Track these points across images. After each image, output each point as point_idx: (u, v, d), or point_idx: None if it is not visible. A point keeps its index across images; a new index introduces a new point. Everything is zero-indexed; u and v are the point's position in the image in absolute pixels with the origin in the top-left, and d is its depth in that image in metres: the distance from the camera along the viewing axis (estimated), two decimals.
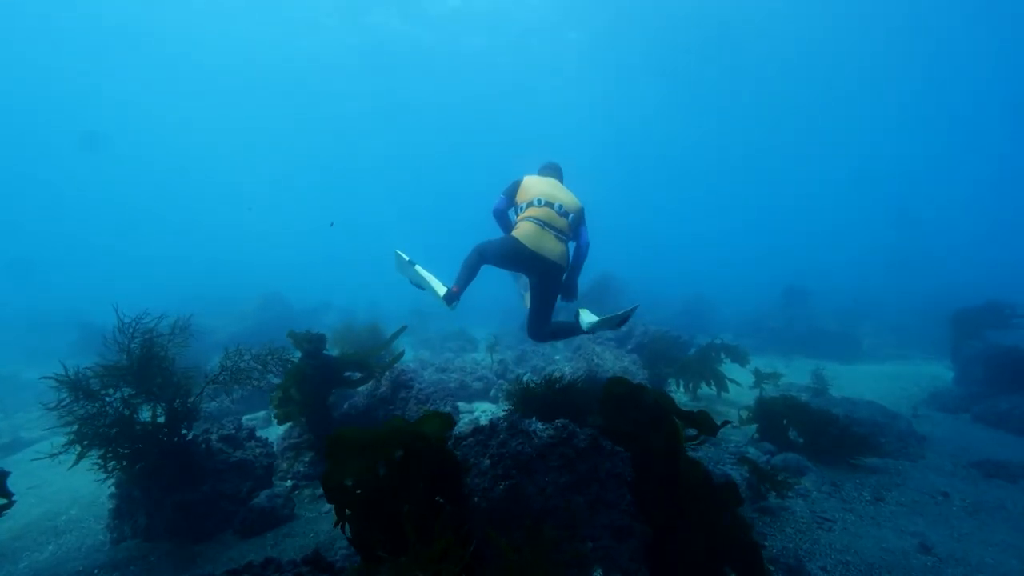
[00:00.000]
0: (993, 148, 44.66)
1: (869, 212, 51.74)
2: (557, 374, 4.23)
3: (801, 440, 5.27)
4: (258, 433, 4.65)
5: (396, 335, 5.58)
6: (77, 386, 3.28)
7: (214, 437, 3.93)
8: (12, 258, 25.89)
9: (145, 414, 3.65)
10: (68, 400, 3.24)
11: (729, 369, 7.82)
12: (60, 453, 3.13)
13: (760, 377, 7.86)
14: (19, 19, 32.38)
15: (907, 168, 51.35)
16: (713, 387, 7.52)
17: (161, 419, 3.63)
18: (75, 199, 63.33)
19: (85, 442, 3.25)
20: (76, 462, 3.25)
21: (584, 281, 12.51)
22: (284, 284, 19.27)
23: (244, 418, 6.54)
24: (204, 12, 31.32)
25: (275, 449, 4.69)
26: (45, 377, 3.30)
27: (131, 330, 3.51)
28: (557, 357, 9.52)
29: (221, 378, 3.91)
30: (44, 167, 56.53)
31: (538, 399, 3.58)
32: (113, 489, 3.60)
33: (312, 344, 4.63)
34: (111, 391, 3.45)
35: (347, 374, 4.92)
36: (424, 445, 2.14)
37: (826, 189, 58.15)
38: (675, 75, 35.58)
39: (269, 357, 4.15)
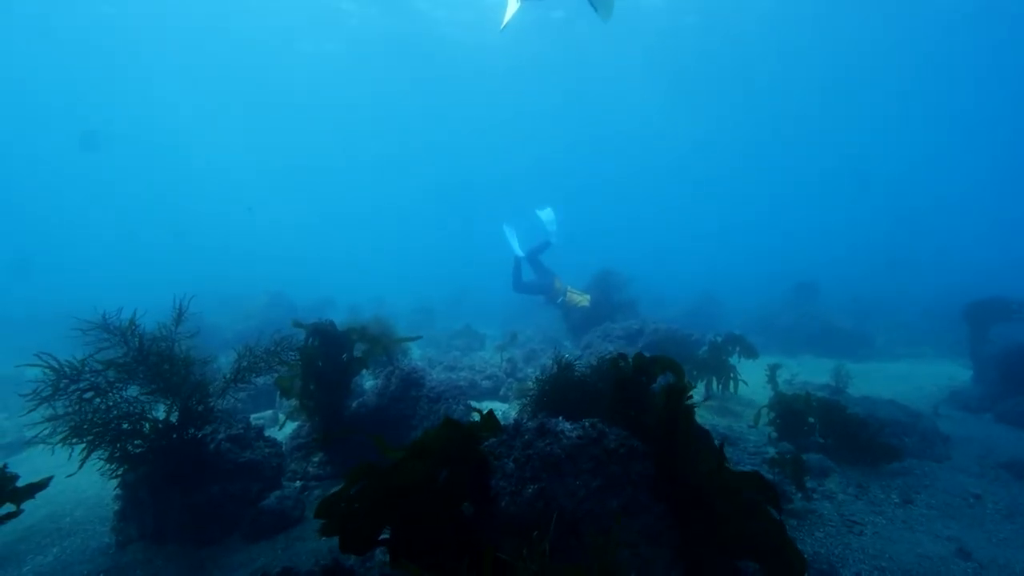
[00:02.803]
0: (994, 148, 44.53)
1: (871, 211, 51.58)
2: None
3: (822, 440, 5.13)
4: (265, 433, 4.54)
5: (410, 339, 5.49)
6: (61, 375, 3.18)
7: (222, 437, 3.82)
8: (14, 258, 25.82)
9: (159, 412, 3.55)
10: (49, 392, 3.15)
11: (743, 369, 7.67)
12: (52, 444, 3.03)
13: (774, 375, 7.71)
14: (18, 18, 32.45)
15: (908, 168, 51.21)
16: (722, 386, 7.38)
17: (174, 417, 3.53)
18: (79, 198, 63.57)
19: (89, 438, 3.15)
20: (83, 461, 3.15)
21: (585, 274, 12.36)
22: (288, 282, 19.20)
23: (251, 417, 6.44)
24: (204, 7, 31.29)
25: (284, 449, 4.58)
26: (20, 365, 3.22)
27: (117, 323, 3.41)
28: (566, 356, 9.39)
29: (238, 377, 3.81)
30: (47, 167, 56.75)
31: (570, 387, 3.50)
32: (118, 491, 3.49)
33: (320, 332, 4.48)
34: (119, 386, 3.36)
35: (358, 355, 4.77)
36: (475, 451, 2.04)
37: (829, 188, 57.93)
38: (679, 74, 35.52)
39: (278, 348, 4.04)
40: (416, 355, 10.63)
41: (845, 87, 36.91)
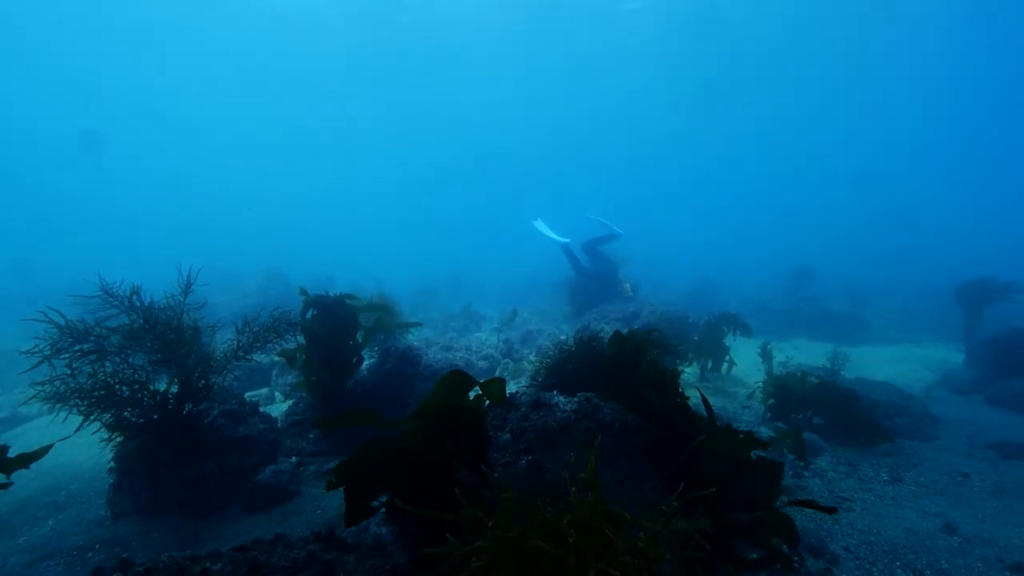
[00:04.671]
0: (990, 144, 44.66)
1: (868, 199, 51.73)
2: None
3: (815, 420, 5.19)
4: (261, 410, 4.54)
5: (412, 324, 5.52)
6: (67, 332, 3.15)
7: (216, 412, 3.81)
8: (14, 258, 25.66)
9: (160, 384, 3.54)
10: (49, 350, 3.11)
11: (737, 351, 7.71)
12: (51, 402, 3.02)
13: (767, 353, 7.77)
14: (20, 17, 31.93)
15: (905, 157, 51.25)
16: (723, 366, 7.42)
17: (174, 390, 3.52)
18: (80, 180, 62.86)
19: (88, 401, 3.13)
20: (80, 426, 3.16)
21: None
22: (287, 262, 19.10)
23: (247, 395, 6.44)
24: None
25: (279, 425, 4.59)
26: (25, 320, 3.18)
27: (120, 292, 3.37)
28: (563, 337, 9.41)
29: (239, 353, 3.78)
30: (48, 153, 56.10)
31: (593, 356, 3.52)
32: (113, 463, 3.49)
33: (323, 306, 4.45)
34: (126, 352, 3.34)
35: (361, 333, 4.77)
36: (475, 417, 2.07)
37: (827, 177, 57.82)
38: (681, 68, 35.29)
39: (276, 324, 4.00)
40: (413, 335, 10.63)
41: (844, 79, 36.60)
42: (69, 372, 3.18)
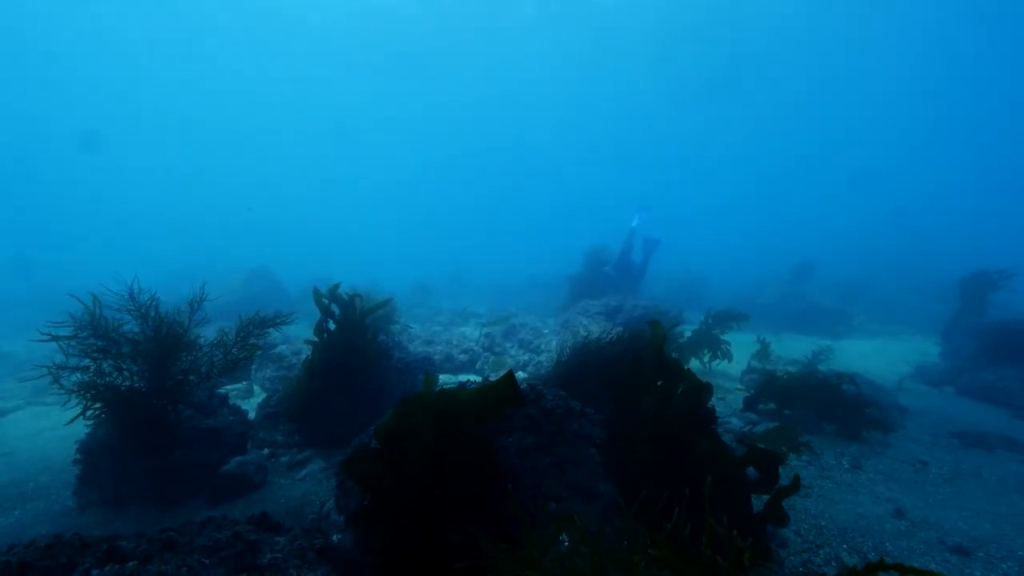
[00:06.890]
0: (990, 144, 45.01)
1: (866, 205, 52.16)
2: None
3: (785, 412, 5.27)
4: (240, 404, 4.57)
5: (405, 328, 5.57)
6: (95, 321, 3.21)
7: (183, 404, 3.83)
8: (14, 258, 25.52)
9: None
10: (67, 331, 3.17)
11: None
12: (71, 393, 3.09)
13: (764, 348, 7.88)
14: (21, 18, 31.70)
15: (904, 157, 51.51)
16: (709, 360, 7.54)
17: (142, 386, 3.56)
18: (79, 179, 62.39)
19: (90, 393, 3.21)
20: (79, 416, 3.21)
21: (575, 252, 12.42)
22: (285, 262, 19.09)
23: (226, 388, 6.45)
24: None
25: (252, 417, 4.62)
26: (72, 295, 3.29)
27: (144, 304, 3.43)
28: (545, 331, 9.46)
29: (214, 372, 3.79)
30: (48, 153, 55.64)
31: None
32: (78, 455, 3.51)
33: (338, 301, 4.47)
34: (127, 359, 3.40)
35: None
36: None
37: (823, 179, 58.08)
38: (682, 68, 35.45)
39: (253, 329, 3.99)
40: (396, 330, 10.65)
41: (843, 79, 36.70)
42: (77, 364, 3.24)
